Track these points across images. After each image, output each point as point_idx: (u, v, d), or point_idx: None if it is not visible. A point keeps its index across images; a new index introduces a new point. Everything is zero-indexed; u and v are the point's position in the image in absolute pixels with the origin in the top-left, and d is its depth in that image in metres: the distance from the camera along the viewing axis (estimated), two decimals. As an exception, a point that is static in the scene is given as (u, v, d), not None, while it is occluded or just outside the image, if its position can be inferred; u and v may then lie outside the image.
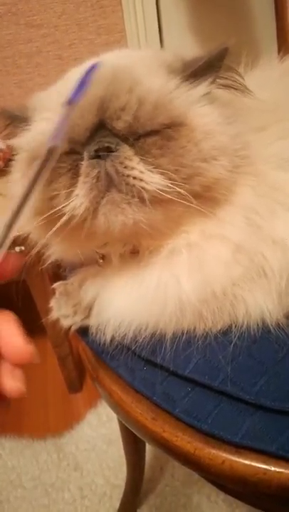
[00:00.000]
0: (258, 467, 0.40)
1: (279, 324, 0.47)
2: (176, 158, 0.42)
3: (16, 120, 0.49)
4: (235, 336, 0.47)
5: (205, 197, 0.44)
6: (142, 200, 0.42)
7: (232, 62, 0.45)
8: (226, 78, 0.46)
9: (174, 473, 1.10)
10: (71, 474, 1.13)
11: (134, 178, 0.41)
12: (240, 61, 0.55)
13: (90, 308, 0.52)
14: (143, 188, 0.41)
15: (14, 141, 0.49)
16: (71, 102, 0.36)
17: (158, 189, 0.41)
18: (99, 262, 0.51)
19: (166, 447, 0.46)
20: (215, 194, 0.45)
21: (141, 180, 0.41)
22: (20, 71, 1.51)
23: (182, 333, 0.48)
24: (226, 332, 0.47)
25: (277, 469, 0.40)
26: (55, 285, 0.58)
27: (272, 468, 0.40)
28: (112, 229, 0.42)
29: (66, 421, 1.28)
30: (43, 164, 0.34)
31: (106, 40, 1.51)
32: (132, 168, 0.41)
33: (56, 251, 0.52)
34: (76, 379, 1.35)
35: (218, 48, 0.44)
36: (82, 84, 0.38)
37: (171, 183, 0.41)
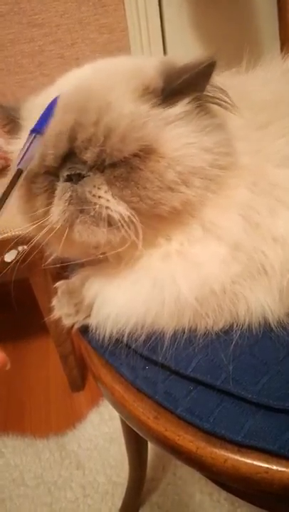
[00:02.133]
0: (260, 466, 0.40)
1: (281, 323, 0.47)
2: (139, 190, 0.43)
3: (11, 122, 0.50)
4: (236, 335, 0.47)
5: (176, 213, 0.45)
6: (109, 224, 0.44)
7: (217, 75, 0.44)
8: (210, 96, 0.45)
9: (176, 471, 1.10)
10: (73, 473, 1.13)
11: (101, 206, 0.43)
12: (243, 60, 0.55)
13: (91, 307, 0.52)
14: (109, 215, 0.43)
15: (9, 148, 0.51)
16: (35, 131, 0.41)
17: (122, 217, 0.43)
18: (98, 256, 0.51)
19: (168, 446, 0.46)
20: (186, 210, 0.45)
21: (107, 208, 0.43)
22: (22, 70, 1.52)
23: (183, 332, 0.48)
24: (227, 331, 0.47)
25: (280, 468, 0.40)
26: (57, 284, 0.58)
27: (275, 467, 0.40)
28: (87, 244, 0.46)
29: (68, 419, 1.28)
30: (11, 185, 0.37)
31: (108, 39, 1.51)
32: (100, 197, 0.43)
33: (54, 250, 0.53)
34: (78, 378, 1.35)
35: (204, 61, 0.42)
36: (46, 115, 0.42)
37: (135, 212, 0.43)
